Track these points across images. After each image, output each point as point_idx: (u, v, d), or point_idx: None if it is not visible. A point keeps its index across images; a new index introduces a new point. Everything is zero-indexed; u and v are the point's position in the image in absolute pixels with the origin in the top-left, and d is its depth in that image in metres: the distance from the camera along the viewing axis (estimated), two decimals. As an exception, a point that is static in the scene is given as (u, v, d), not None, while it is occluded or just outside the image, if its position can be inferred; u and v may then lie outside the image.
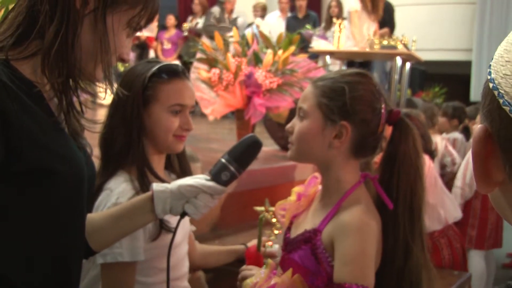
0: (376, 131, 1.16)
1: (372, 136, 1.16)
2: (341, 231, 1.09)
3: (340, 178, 1.16)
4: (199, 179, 1.06)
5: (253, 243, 1.68)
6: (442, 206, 2.59)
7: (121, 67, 7.34)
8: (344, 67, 5.61)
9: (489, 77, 0.48)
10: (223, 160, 1.07)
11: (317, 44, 5.48)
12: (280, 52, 2.92)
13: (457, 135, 4.15)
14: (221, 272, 1.69)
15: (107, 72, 0.87)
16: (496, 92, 0.47)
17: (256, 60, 2.96)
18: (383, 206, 1.15)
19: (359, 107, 1.14)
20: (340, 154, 1.16)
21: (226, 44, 3.02)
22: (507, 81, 0.46)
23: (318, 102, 1.16)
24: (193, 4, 7.62)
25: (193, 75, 3.11)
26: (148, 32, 7.64)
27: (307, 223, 1.20)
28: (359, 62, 5.35)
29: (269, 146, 3.92)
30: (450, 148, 3.86)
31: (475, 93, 8.65)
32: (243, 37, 3.20)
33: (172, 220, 1.29)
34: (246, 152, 1.08)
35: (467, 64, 8.73)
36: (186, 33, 7.39)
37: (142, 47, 7.74)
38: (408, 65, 5.28)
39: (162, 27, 7.81)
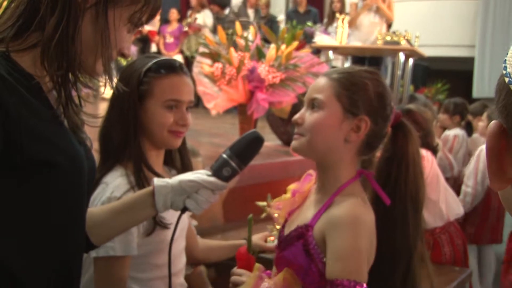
0: (385, 131, 1.18)
1: (380, 135, 1.17)
2: (333, 225, 1.08)
3: (339, 173, 1.15)
4: (200, 175, 1.05)
5: (254, 238, 1.68)
6: (444, 203, 2.59)
7: (123, 62, 7.35)
8: (347, 62, 5.61)
9: (504, 71, 0.47)
10: (224, 155, 1.06)
11: (320, 39, 5.47)
12: (283, 47, 2.92)
13: (458, 131, 4.13)
14: (223, 267, 1.69)
15: (107, 67, 0.86)
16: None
17: (259, 54, 2.96)
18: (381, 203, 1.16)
19: (379, 104, 1.15)
20: (352, 149, 1.15)
21: (229, 38, 3.01)
22: None
23: (337, 93, 1.14)
24: (191, -2, 7.61)
25: (196, 69, 3.10)
26: (149, 26, 7.63)
27: (300, 219, 1.19)
28: (367, 57, 5.33)
29: (271, 141, 3.92)
30: (447, 151, 3.86)
31: (478, 89, 8.64)
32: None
33: (168, 216, 1.30)
34: (248, 148, 1.07)
35: (470, 60, 8.70)
36: (186, 29, 7.38)
37: (144, 41, 7.73)
38: (411, 61, 5.28)
39: (165, 21, 7.80)
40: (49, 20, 0.80)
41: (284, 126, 3.71)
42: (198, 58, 3.17)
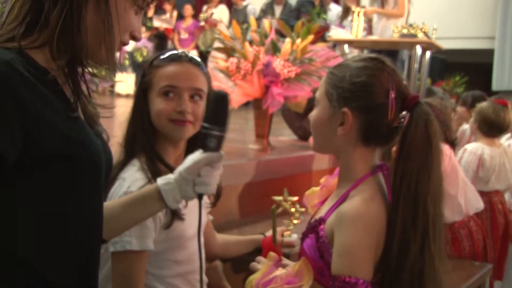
0: (386, 118, 1.11)
1: (382, 123, 1.11)
2: (340, 220, 1.07)
3: (350, 166, 1.14)
4: (192, 156, 1.04)
5: (270, 233, 1.68)
6: (463, 197, 2.55)
7: (139, 58, 7.36)
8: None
9: None
10: (201, 130, 1.04)
11: (335, 33, 5.43)
12: (298, 41, 2.89)
13: (466, 126, 4.05)
14: (239, 262, 1.69)
15: (110, 54, 0.86)
16: None
17: (274, 49, 2.94)
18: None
19: (359, 93, 1.11)
20: (347, 142, 1.14)
21: (244, 33, 3.00)
22: None
23: (326, 89, 1.16)
24: (209, -7, 7.62)
25: (211, 64, 3.10)
26: (166, 24, 7.67)
27: (320, 213, 1.19)
28: (382, 51, 5.28)
29: (287, 136, 3.91)
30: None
31: (497, 82, 8.48)
32: (260, 25, 3.18)
33: (186, 210, 1.30)
34: (217, 110, 1.04)
35: (489, 53, 8.55)
36: (203, 23, 7.39)
37: (160, 37, 7.77)
38: (428, 53, 5.20)
39: (180, 16, 7.82)
40: (52, 13, 0.81)
41: (299, 120, 3.68)
42: (213, 53, 3.16)
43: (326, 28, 5.62)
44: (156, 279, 1.32)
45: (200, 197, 1.05)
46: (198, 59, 1.38)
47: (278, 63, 2.83)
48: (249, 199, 2.48)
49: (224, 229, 2.06)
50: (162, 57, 1.35)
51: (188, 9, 7.70)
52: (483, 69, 8.70)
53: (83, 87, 0.88)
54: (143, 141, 1.32)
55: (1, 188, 0.77)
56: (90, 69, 0.88)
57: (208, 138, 1.03)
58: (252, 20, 3.23)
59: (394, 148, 1.18)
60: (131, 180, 1.27)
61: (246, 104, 3.55)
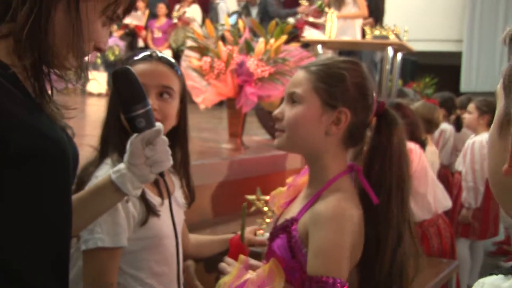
0: (367, 121, 1.16)
1: (363, 126, 1.15)
2: (315, 220, 1.06)
3: (327, 167, 1.14)
4: (130, 141, 1.03)
5: (246, 230, 1.68)
6: (432, 196, 2.61)
7: (111, 56, 7.26)
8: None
9: None
10: (124, 117, 1.02)
11: (309, 34, 5.47)
12: (272, 40, 2.91)
13: (446, 126, 4.15)
14: (212, 261, 1.68)
15: (79, 60, 0.84)
16: None
17: (248, 48, 2.95)
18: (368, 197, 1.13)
19: (359, 95, 1.13)
20: (334, 141, 1.14)
21: (218, 32, 3.00)
22: None
23: (315, 86, 1.13)
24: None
25: (184, 63, 3.08)
26: (136, 21, 7.59)
27: (290, 212, 1.18)
28: (347, 52, 5.35)
29: (260, 136, 3.92)
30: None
31: (465, 83, 8.70)
32: (234, 25, 3.18)
33: (158, 204, 1.30)
34: (125, 89, 1.00)
35: (457, 55, 8.76)
36: (175, 20, 7.34)
37: (131, 35, 7.68)
38: (399, 55, 5.29)
39: (153, 15, 7.75)
40: (20, 11, 0.79)
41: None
42: (186, 52, 3.15)
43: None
44: (133, 280, 1.30)
45: (161, 175, 1.04)
46: (170, 59, 1.38)
47: (251, 63, 2.84)
48: (222, 198, 2.48)
49: (197, 229, 2.06)
50: (131, 56, 1.35)
51: (162, 8, 7.64)
52: (452, 71, 8.91)
53: (47, 87, 0.86)
54: (115, 141, 1.31)
55: None
56: (56, 71, 0.86)
57: (134, 122, 1.00)
58: (225, 20, 3.23)
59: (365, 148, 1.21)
60: (101, 174, 1.26)
61: (220, 104, 3.55)
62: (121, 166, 1.04)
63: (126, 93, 1.00)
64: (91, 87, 6.83)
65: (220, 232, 1.94)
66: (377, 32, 5.05)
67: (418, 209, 2.55)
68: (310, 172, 1.19)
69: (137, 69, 1.29)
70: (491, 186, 0.52)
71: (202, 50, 2.96)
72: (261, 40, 2.94)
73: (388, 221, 1.13)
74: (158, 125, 1.02)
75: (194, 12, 7.45)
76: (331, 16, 5.19)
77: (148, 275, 1.32)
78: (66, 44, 0.83)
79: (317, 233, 1.05)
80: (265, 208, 2.01)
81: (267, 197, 1.88)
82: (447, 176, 3.76)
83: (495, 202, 3.53)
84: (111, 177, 1.03)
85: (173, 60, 1.38)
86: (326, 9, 5.48)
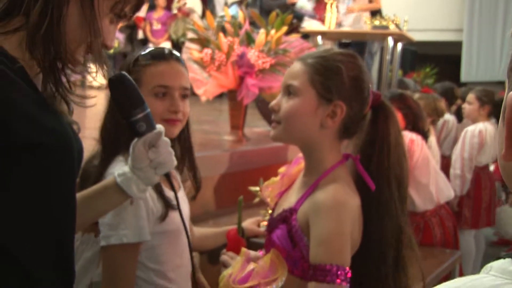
0: (362, 113, 1.16)
1: (358, 118, 1.16)
2: (316, 210, 1.07)
3: (323, 158, 1.15)
4: (132, 145, 1.03)
5: (247, 223, 1.68)
6: (434, 186, 2.61)
7: (111, 51, 7.22)
8: (335, 46, 5.59)
9: None
10: (125, 122, 1.03)
11: (308, 24, 5.45)
12: (272, 32, 2.89)
13: (448, 116, 4.15)
14: (216, 253, 1.69)
15: (97, 55, 0.85)
16: None
17: (249, 40, 2.93)
18: (367, 187, 1.14)
19: (355, 88, 1.13)
20: (330, 134, 1.14)
21: (219, 24, 2.98)
22: None
23: (311, 79, 1.13)
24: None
25: (185, 55, 3.07)
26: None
27: (287, 202, 1.19)
28: (348, 42, 5.34)
29: (261, 127, 3.91)
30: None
31: (466, 73, 8.68)
32: (234, 16, 3.16)
33: (172, 197, 1.29)
34: (123, 95, 1.01)
35: (458, 45, 8.73)
36: (175, 11, 7.30)
37: (131, 27, 7.64)
38: (399, 45, 5.27)
39: (151, 7, 7.71)
40: (33, 6, 0.79)
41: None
42: (187, 44, 3.14)
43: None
44: (155, 274, 1.30)
45: (166, 175, 1.05)
46: (180, 56, 1.38)
47: (252, 54, 2.83)
48: (225, 190, 2.48)
49: (200, 221, 2.06)
50: (145, 53, 1.32)
51: (160, 0, 7.60)
52: (453, 61, 8.88)
53: (64, 82, 0.86)
54: (128, 140, 1.30)
55: None
56: (70, 66, 0.86)
57: (135, 126, 1.01)
58: (226, 11, 3.21)
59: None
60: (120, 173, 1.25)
61: (221, 96, 3.54)
62: (126, 169, 1.05)
63: (124, 99, 1.00)
64: (91, 79, 6.79)
65: (223, 224, 1.94)
66: (377, 22, 5.03)
67: (421, 199, 2.55)
68: (306, 163, 1.19)
69: (160, 70, 1.30)
70: (501, 170, 0.52)
71: (202, 42, 2.95)
72: (262, 31, 2.92)
73: (391, 214, 1.14)
74: (159, 127, 1.03)
75: (194, 3, 7.41)
76: (331, 7, 5.17)
77: (169, 268, 1.33)
78: (76, 40, 0.83)
79: (318, 222, 1.06)
80: (269, 199, 2.00)
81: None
82: (449, 166, 3.76)
83: (486, 191, 3.57)
84: (116, 181, 1.04)
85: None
86: (326, 0, 5.45)
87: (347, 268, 1.03)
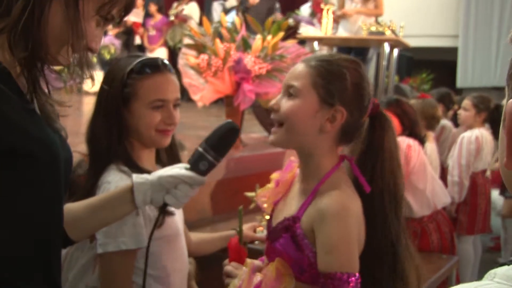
0: (361, 121, 1.15)
1: (357, 125, 1.15)
2: (321, 217, 1.06)
3: (320, 163, 1.13)
4: (178, 169, 1.04)
5: (245, 227, 1.67)
6: (431, 192, 2.61)
7: (107, 55, 7.21)
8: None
9: None
10: (200, 149, 1.05)
11: (305, 30, 5.46)
12: (269, 37, 2.90)
13: (445, 122, 4.15)
14: (213, 258, 1.68)
15: (82, 57, 0.84)
16: None
17: (245, 45, 2.94)
18: (365, 192, 1.13)
19: (356, 95, 1.12)
20: (328, 139, 1.13)
21: (215, 29, 2.98)
22: None
23: (314, 82, 1.11)
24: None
25: (181, 61, 3.07)
26: (134, 18, 7.56)
27: (286, 210, 1.18)
28: (353, 48, 5.33)
29: (258, 133, 3.91)
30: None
31: (461, 79, 8.71)
32: (232, 22, 3.17)
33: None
34: (223, 139, 1.06)
35: (453, 51, 8.77)
36: (172, 18, 7.32)
37: (128, 33, 7.65)
38: (395, 51, 5.29)
39: (147, 14, 7.73)
40: (15, 4, 0.77)
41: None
42: (184, 49, 3.14)
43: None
44: (154, 280, 1.30)
45: (164, 206, 1.05)
46: (169, 64, 1.38)
47: (249, 60, 2.83)
48: (222, 196, 2.48)
49: (198, 227, 2.05)
50: (139, 64, 1.31)
51: (152, 7, 7.62)
52: (448, 67, 8.92)
53: (43, 84, 0.85)
54: (120, 150, 1.30)
55: None
56: (51, 67, 0.85)
57: (202, 160, 1.04)
58: (222, 17, 3.21)
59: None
60: (116, 179, 1.25)
61: (217, 101, 3.54)
62: (147, 176, 1.05)
63: (221, 139, 1.06)
64: (87, 85, 6.78)
65: (220, 229, 1.93)
66: (373, 28, 5.05)
67: (417, 204, 2.55)
68: (303, 168, 1.18)
69: (156, 83, 1.30)
70: (503, 178, 0.52)
71: (199, 48, 2.95)
72: (258, 37, 2.93)
73: (384, 225, 1.13)
74: (206, 179, 1.06)
75: (192, 9, 7.43)
76: (327, 13, 5.18)
77: (167, 273, 1.32)
78: (58, 40, 0.81)
79: (324, 229, 1.05)
80: (265, 205, 2.00)
81: (267, 194, 1.87)
82: (446, 172, 3.76)
83: (482, 197, 3.57)
84: (133, 180, 1.04)
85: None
86: (322, 6, 5.47)
87: (357, 274, 1.03)
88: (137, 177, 1.04)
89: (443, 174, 3.64)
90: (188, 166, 1.05)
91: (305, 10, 6.47)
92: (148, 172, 1.29)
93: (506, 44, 0.52)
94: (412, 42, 5.77)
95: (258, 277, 1.15)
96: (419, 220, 2.58)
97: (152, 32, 7.55)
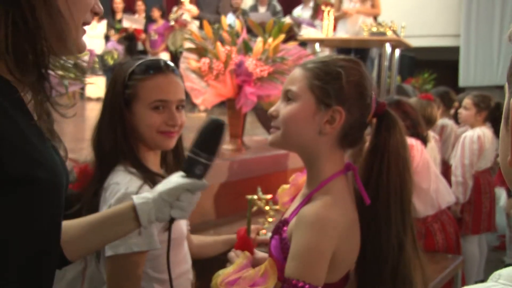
0: (365, 121, 1.13)
1: (360, 126, 1.12)
2: (297, 223, 1.05)
3: (321, 167, 1.11)
4: (176, 179, 1.02)
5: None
6: (435, 191, 2.60)
7: (110, 61, 7.23)
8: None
9: None
10: (190, 154, 1.02)
11: (306, 32, 5.47)
12: (270, 40, 2.90)
13: (447, 121, 4.14)
14: (215, 261, 1.68)
15: (73, 41, 0.81)
16: None
17: (246, 48, 2.94)
18: (371, 201, 1.10)
19: (355, 94, 1.10)
20: (328, 141, 1.11)
21: (216, 33, 2.99)
22: None
23: (310, 84, 1.10)
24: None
25: (182, 65, 3.07)
26: (136, 25, 7.60)
27: (288, 212, 1.17)
28: (353, 49, 5.34)
29: (260, 135, 3.91)
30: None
31: (464, 78, 8.69)
32: (231, 26, 3.17)
33: None
34: (210, 138, 1.02)
35: (455, 50, 8.75)
36: (172, 23, 7.34)
37: (130, 39, 7.68)
38: (397, 51, 5.29)
39: (150, 19, 7.77)
40: (4, 17, 0.73)
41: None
42: (185, 53, 3.14)
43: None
44: (159, 284, 1.30)
45: (172, 221, 1.02)
46: (174, 66, 1.37)
47: (250, 63, 2.83)
48: (225, 199, 2.48)
49: (200, 230, 2.05)
50: (141, 66, 1.31)
51: (155, 12, 7.67)
52: (451, 66, 8.90)
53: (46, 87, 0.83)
54: (127, 153, 1.29)
55: None
56: (58, 72, 0.83)
57: (196, 165, 1.01)
58: (223, 20, 3.22)
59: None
60: (126, 181, 1.24)
61: (220, 105, 3.54)
62: (148, 194, 1.02)
63: (209, 140, 1.02)
64: (89, 91, 6.83)
65: (224, 232, 1.93)
66: (374, 29, 5.05)
67: (421, 204, 2.54)
68: (307, 173, 1.16)
69: (157, 84, 1.29)
70: (504, 176, 0.52)
71: (200, 51, 2.95)
72: (259, 39, 2.93)
73: (389, 227, 1.10)
74: (206, 182, 1.03)
75: (192, 12, 7.45)
76: (328, 14, 5.19)
77: (174, 277, 1.32)
78: (58, 35, 0.79)
79: (297, 236, 1.04)
80: (266, 207, 2.00)
81: (268, 196, 1.88)
82: (449, 171, 3.75)
83: (487, 196, 3.56)
84: (134, 202, 1.01)
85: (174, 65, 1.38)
86: (323, 8, 5.47)
87: (317, 286, 1.00)
88: (137, 198, 1.02)
89: (447, 173, 3.63)
90: (184, 174, 1.02)
91: (306, 12, 6.48)
92: (155, 174, 1.29)
93: (507, 43, 0.51)
94: (414, 42, 5.77)
95: (245, 272, 1.13)
96: (424, 220, 2.57)
97: (154, 37, 7.59)
